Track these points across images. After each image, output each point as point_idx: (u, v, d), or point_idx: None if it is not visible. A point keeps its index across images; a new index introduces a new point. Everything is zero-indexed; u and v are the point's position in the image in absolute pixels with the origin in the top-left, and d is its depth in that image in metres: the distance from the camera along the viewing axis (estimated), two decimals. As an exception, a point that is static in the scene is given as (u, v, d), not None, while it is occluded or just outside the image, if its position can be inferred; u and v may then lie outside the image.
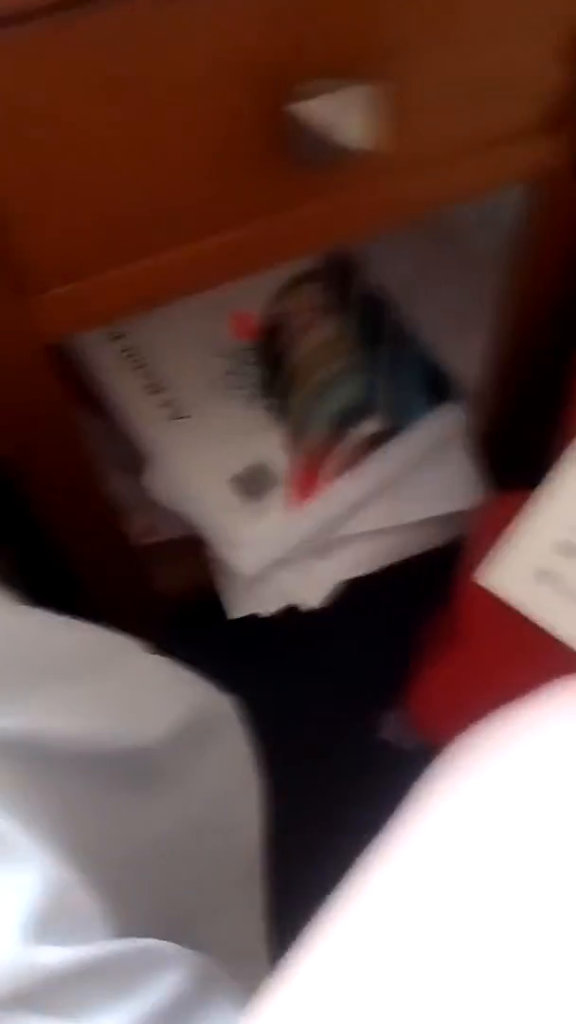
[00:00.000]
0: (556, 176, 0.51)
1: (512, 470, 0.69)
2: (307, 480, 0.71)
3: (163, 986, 0.32)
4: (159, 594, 0.76)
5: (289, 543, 0.71)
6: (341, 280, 0.76)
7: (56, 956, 0.30)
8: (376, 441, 0.73)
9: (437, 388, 0.74)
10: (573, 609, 0.54)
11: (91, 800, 0.41)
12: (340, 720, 0.84)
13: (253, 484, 0.70)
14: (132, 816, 0.44)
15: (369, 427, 0.73)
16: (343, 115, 0.40)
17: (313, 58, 0.40)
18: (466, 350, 0.74)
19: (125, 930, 0.35)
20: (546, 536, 0.55)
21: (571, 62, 0.45)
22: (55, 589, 0.58)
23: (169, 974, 0.33)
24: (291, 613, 0.74)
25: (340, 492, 0.72)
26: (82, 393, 0.71)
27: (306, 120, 0.39)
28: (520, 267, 0.58)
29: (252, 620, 0.74)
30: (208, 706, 0.51)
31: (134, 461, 0.71)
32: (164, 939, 0.34)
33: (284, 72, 0.39)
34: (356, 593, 0.75)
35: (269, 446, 0.72)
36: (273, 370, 0.73)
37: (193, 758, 0.49)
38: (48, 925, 0.32)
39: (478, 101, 0.45)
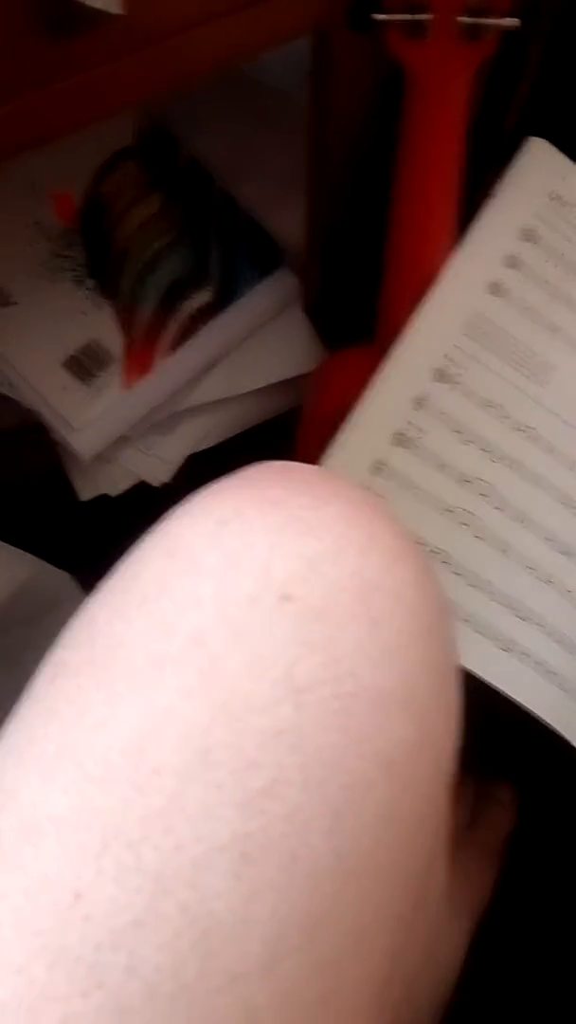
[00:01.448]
0: (333, 29, 0.51)
1: (345, 332, 0.70)
2: (142, 356, 0.72)
3: None
4: (6, 481, 0.77)
5: (129, 421, 0.72)
6: (161, 155, 0.75)
7: None
8: (209, 313, 0.73)
9: (266, 257, 0.75)
10: (408, 500, 0.56)
11: None
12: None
13: (87, 365, 0.71)
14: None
15: (200, 299, 0.73)
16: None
17: None
18: (293, 217, 0.74)
19: None
20: (379, 428, 0.56)
21: None
22: None
23: None
24: (141, 491, 0.76)
25: (176, 366, 0.73)
26: None
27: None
28: (315, 123, 0.58)
29: (104, 500, 0.76)
30: (41, 581, 0.53)
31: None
32: None
33: None
34: (203, 467, 0.77)
35: (101, 326, 0.72)
36: (99, 250, 0.73)
37: (26, 631, 0.50)
38: None
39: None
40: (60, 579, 0.55)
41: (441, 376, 0.57)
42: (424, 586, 0.30)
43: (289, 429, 0.69)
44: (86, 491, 0.74)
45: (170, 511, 0.31)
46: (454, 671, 0.31)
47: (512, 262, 0.58)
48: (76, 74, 0.45)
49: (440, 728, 0.29)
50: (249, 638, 0.26)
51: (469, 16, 0.48)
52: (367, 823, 0.26)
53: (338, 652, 0.27)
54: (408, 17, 0.49)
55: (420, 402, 0.56)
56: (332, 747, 0.26)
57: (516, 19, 0.48)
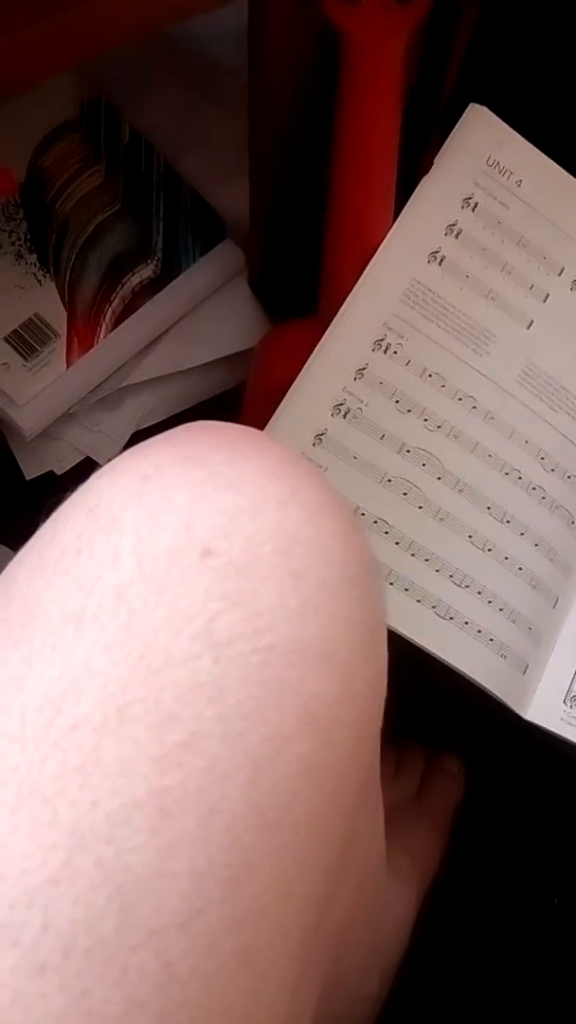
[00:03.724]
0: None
1: (290, 305, 0.70)
2: (85, 332, 0.71)
3: None
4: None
5: (73, 397, 0.71)
6: (103, 129, 0.74)
7: None
8: (152, 287, 0.73)
9: (210, 230, 0.74)
10: (349, 470, 0.55)
11: None
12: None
13: (30, 340, 0.70)
14: None
15: (144, 273, 0.73)
16: None
17: None
18: (236, 190, 0.74)
19: None
20: (320, 399, 0.56)
21: None
22: None
23: None
24: (88, 468, 0.75)
25: (120, 341, 0.72)
26: None
27: None
28: (252, 90, 0.58)
29: (50, 477, 0.75)
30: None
31: None
32: None
33: None
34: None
35: (43, 300, 0.71)
36: (41, 224, 0.72)
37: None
38: None
39: None
40: (4, 555, 0.54)
41: (381, 346, 0.56)
42: (347, 539, 0.30)
43: (235, 404, 0.69)
44: (31, 469, 0.74)
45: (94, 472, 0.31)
46: (380, 624, 0.31)
47: (452, 230, 0.58)
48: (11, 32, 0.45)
49: (364, 681, 0.29)
50: (168, 593, 0.26)
51: (400, -22, 0.48)
52: (287, 776, 0.26)
53: (258, 606, 0.27)
54: (340, -20, 0.49)
55: (360, 372, 0.56)
56: (251, 699, 0.26)
57: (446, -19, 0.47)
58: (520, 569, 0.57)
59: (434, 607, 0.55)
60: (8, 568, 0.29)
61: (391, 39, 0.50)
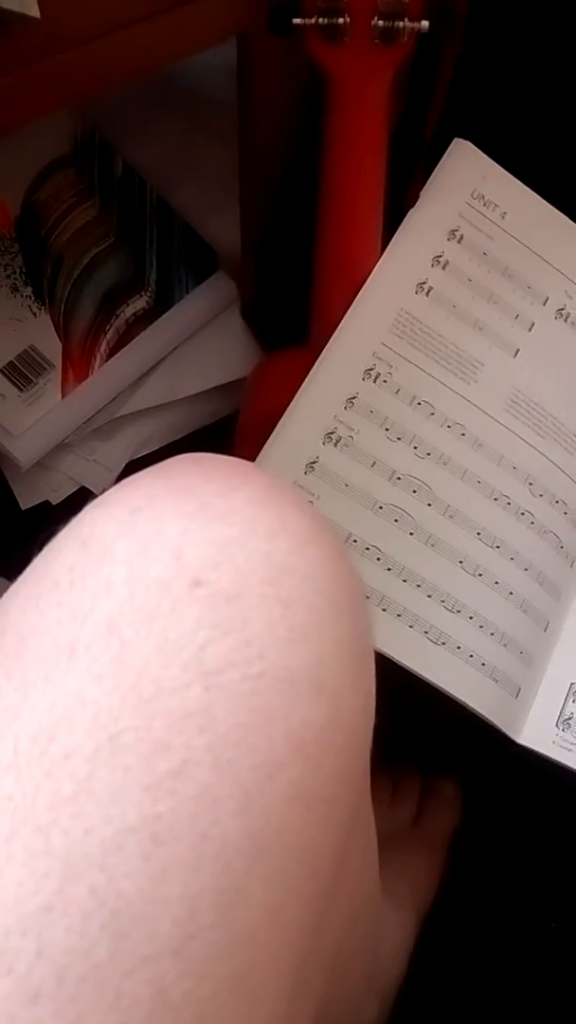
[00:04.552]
0: (255, 33, 0.52)
1: (283, 335, 0.71)
2: (80, 363, 0.72)
3: None
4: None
5: (68, 428, 0.72)
6: (97, 163, 0.76)
7: None
8: (146, 318, 0.74)
9: (202, 262, 0.75)
10: (341, 497, 0.56)
11: None
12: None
13: (25, 372, 0.71)
14: None
15: (137, 305, 0.74)
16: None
17: None
18: (228, 222, 0.75)
19: None
20: (311, 427, 0.57)
21: None
22: None
23: None
24: (83, 498, 0.76)
25: (114, 372, 0.73)
26: None
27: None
28: (243, 125, 0.59)
29: (46, 507, 0.76)
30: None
31: None
32: None
33: None
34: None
35: (38, 332, 0.72)
36: (36, 257, 0.73)
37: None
38: None
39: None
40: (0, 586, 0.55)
41: (371, 375, 0.57)
42: (336, 568, 0.30)
43: (229, 432, 0.70)
44: (27, 499, 0.75)
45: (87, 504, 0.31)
46: (368, 652, 0.31)
47: (438, 261, 0.59)
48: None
49: (353, 708, 0.29)
50: (159, 622, 0.26)
51: (383, 20, 0.49)
52: (277, 802, 0.26)
53: (248, 634, 0.27)
54: (325, 21, 0.50)
55: (351, 401, 0.57)
56: (242, 727, 0.26)
57: (427, 21, 0.48)
58: (511, 593, 0.57)
59: (426, 632, 0.55)
60: (3, 599, 0.30)
61: (375, 79, 0.52)
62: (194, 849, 0.25)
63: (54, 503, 0.75)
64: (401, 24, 0.49)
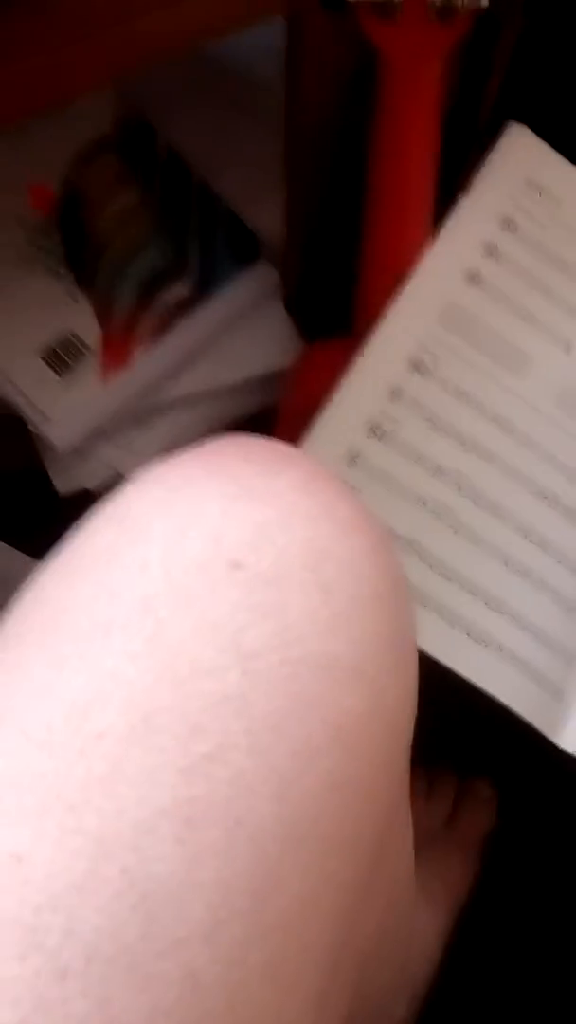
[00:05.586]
0: (306, 10, 0.51)
1: (325, 325, 0.70)
2: (119, 349, 0.71)
3: None
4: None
5: (105, 414, 0.71)
6: (139, 146, 0.75)
7: None
8: (187, 305, 0.73)
9: (245, 249, 0.74)
10: (383, 491, 0.55)
11: None
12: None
13: (64, 357, 0.70)
14: None
15: (179, 292, 0.73)
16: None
17: None
18: (272, 209, 0.74)
19: None
20: (354, 419, 0.56)
21: None
22: None
23: None
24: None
25: (153, 359, 0.72)
26: None
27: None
28: (289, 107, 0.57)
29: (86, 495, 0.75)
30: (20, 572, 0.52)
31: None
32: None
33: None
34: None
35: (78, 317, 0.71)
36: (77, 241, 0.73)
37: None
38: None
39: None
40: (28, 566, 0.54)
41: (416, 367, 0.56)
42: (379, 557, 0.29)
43: (269, 424, 0.69)
44: (64, 484, 0.74)
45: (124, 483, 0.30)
46: (410, 642, 0.31)
47: (490, 251, 0.57)
48: (34, 56, 0.45)
49: (394, 697, 0.29)
50: (197, 603, 0.26)
51: (440, -3, 0.48)
52: (314, 790, 0.26)
53: (287, 618, 0.26)
54: (380, -2, 0.48)
55: (395, 393, 0.56)
56: (279, 713, 0.25)
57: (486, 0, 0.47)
58: (556, 595, 0.56)
59: (468, 631, 0.54)
60: (38, 576, 0.29)
61: (429, 58, 0.50)
62: (228, 834, 0.24)
63: (91, 489, 0.75)
64: (459, 1, 0.47)
